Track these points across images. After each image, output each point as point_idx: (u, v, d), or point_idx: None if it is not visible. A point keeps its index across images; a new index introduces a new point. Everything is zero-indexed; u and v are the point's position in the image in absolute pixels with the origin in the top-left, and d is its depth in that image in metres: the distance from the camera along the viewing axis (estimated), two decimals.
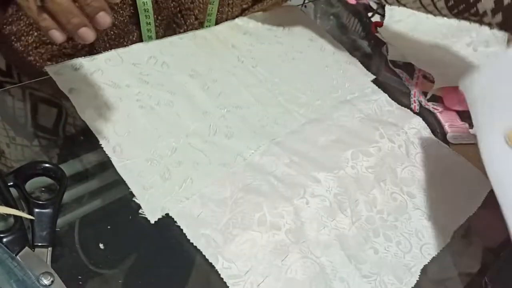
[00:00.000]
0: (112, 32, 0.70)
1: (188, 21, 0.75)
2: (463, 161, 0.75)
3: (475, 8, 0.62)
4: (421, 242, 0.62)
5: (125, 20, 0.70)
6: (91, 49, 0.72)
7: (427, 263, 0.60)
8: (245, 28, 0.84)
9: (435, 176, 0.71)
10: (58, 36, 0.44)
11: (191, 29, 0.77)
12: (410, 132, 0.76)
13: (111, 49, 0.71)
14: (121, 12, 0.69)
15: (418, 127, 0.78)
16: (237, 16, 0.83)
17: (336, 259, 0.57)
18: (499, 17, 0.60)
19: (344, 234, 0.59)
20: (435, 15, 0.71)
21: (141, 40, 0.75)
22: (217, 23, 0.80)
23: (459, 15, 0.66)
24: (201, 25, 0.78)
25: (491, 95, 0.57)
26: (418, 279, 0.58)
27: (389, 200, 0.65)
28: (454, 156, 0.76)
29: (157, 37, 0.76)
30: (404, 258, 0.60)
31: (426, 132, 0.78)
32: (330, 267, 0.56)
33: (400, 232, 0.62)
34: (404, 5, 0.76)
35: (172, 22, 0.75)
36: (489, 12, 0.60)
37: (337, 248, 0.58)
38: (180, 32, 0.77)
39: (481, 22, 0.64)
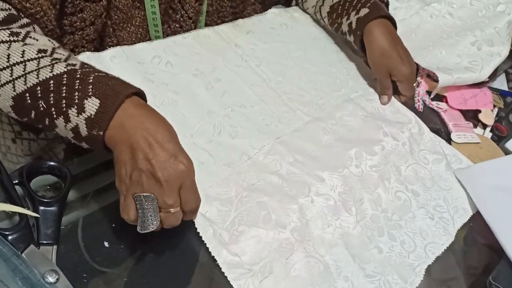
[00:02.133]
0: (116, 16, 0.70)
1: (187, 5, 0.75)
2: (465, 160, 0.75)
3: (341, 29, 0.85)
4: (425, 242, 0.62)
5: (129, 4, 0.70)
6: (102, 39, 0.73)
7: (431, 263, 0.60)
8: (248, 27, 0.84)
9: (438, 174, 0.71)
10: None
11: (191, 13, 0.77)
12: (414, 130, 0.76)
13: (115, 33, 0.71)
14: None
15: (421, 125, 0.78)
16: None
17: (340, 258, 0.57)
18: (352, 38, 0.83)
19: (348, 233, 0.59)
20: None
21: (144, 25, 0.74)
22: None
23: (337, 31, 0.88)
24: (201, 6, 0.77)
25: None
26: (422, 278, 0.58)
27: (394, 199, 0.65)
28: (457, 154, 0.76)
29: None
30: (409, 258, 0.60)
31: (429, 130, 0.78)
32: (334, 266, 0.56)
33: (405, 232, 0.62)
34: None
35: (169, 8, 0.75)
36: (347, 33, 0.84)
37: (341, 247, 0.58)
38: (176, 18, 0.77)
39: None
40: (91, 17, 0.66)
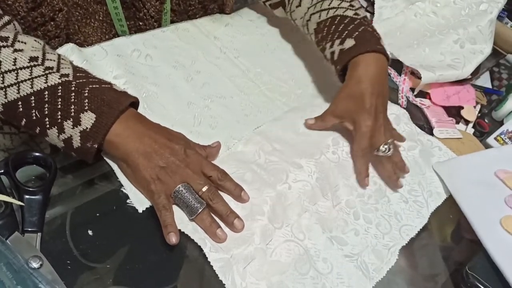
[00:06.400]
0: (77, 13, 0.70)
1: (148, 4, 0.75)
2: (444, 147, 0.78)
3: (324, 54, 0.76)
4: (400, 224, 0.64)
5: (89, 0, 0.70)
6: (67, 36, 0.72)
7: (405, 244, 0.62)
8: (227, 20, 0.86)
9: (414, 160, 0.74)
10: (174, 239, 0.51)
11: (152, 12, 0.76)
12: (390, 118, 0.78)
13: (80, 30, 0.71)
14: None
15: (397, 113, 0.80)
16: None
17: (319, 242, 0.59)
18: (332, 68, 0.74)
19: (325, 217, 0.61)
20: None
21: (107, 20, 0.74)
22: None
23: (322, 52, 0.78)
24: (162, 5, 0.77)
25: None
26: (397, 258, 0.60)
27: (369, 183, 0.67)
28: (431, 140, 0.79)
29: None
30: (384, 239, 0.62)
31: (405, 118, 0.80)
32: (313, 249, 0.58)
33: (381, 214, 0.65)
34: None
35: (131, 5, 0.75)
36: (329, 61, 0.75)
37: (319, 231, 0.60)
38: (139, 16, 0.76)
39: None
40: (49, 12, 0.66)
